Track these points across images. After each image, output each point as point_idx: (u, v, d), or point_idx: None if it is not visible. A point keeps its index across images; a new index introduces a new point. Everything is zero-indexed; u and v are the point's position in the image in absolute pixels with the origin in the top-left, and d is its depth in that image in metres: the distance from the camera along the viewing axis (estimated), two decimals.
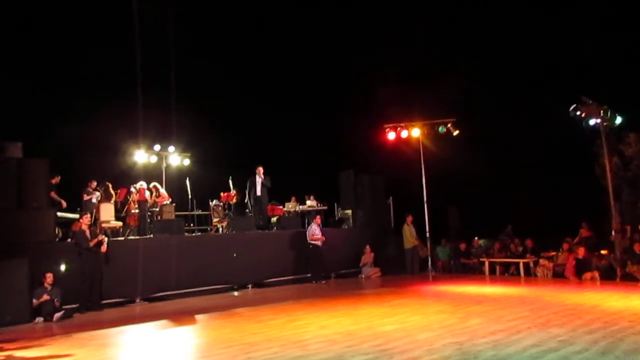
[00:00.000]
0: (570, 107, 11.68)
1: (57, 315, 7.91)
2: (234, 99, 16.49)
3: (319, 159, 16.04)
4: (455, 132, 13.57)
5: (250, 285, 11.17)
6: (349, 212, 14.09)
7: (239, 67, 17.06)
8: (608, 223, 11.77)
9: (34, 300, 7.94)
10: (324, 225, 12.51)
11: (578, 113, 11.57)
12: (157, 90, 12.94)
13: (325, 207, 13.89)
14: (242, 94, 16.78)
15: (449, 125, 13.58)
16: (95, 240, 8.79)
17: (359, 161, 14.76)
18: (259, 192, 12.57)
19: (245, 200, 13.02)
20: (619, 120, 11.85)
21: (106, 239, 9.13)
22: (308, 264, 11.89)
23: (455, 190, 15.10)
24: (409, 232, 13.19)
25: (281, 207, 13.16)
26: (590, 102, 11.57)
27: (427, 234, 13.55)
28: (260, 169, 12.58)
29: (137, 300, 9.49)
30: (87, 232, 8.85)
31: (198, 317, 7.70)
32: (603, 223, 12.26)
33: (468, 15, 15.80)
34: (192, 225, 12.99)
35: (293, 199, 13.77)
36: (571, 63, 14.56)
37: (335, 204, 14.50)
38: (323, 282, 11.70)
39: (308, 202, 13.67)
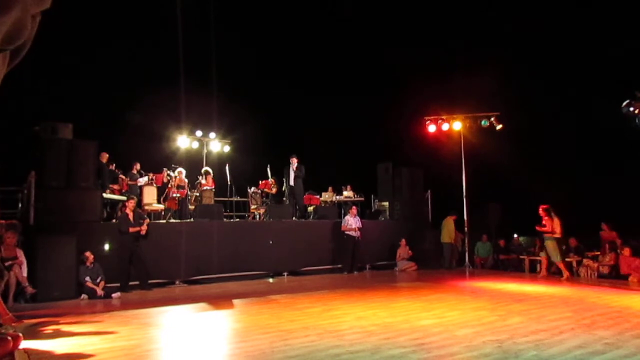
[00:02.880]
0: (622, 102, 11.18)
1: (115, 295, 8.27)
2: (276, 87, 16.59)
3: (357, 150, 15.95)
4: (499, 127, 13.21)
5: (285, 273, 11.29)
6: (386, 204, 13.99)
7: (280, 55, 17.12)
8: None
9: (87, 280, 8.31)
10: (360, 217, 12.48)
11: (631, 109, 11.08)
12: (199, 77, 13.18)
13: (362, 199, 13.84)
14: (284, 82, 16.86)
15: (492, 119, 13.24)
16: (136, 229, 9.06)
17: (398, 153, 14.60)
18: (292, 182, 12.62)
19: (283, 189, 13.14)
20: None
21: (147, 220, 9.42)
22: (342, 255, 11.92)
23: (496, 186, 14.72)
24: (450, 227, 12.96)
25: (318, 196, 13.20)
26: None
27: (466, 229, 13.31)
28: (294, 160, 12.58)
29: (177, 282, 9.78)
30: (131, 216, 9.14)
31: (235, 301, 7.85)
32: None
33: (515, 3, 15.21)
34: (230, 211, 13.23)
35: (330, 189, 13.80)
36: (625, 55, 13.84)
37: (372, 196, 14.42)
38: (355, 273, 11.70)
39: (345, 193, 13.66)
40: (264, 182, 12.83)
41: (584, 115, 14.22)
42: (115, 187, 11.00)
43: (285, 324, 6.00)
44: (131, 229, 9.02)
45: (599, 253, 11.46)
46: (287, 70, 17.07)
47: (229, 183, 13.09)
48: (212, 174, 12.17)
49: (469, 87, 14.08)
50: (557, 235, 10.69)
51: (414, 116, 14.35)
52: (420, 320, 6.27)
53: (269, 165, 13.05)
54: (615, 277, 10.64)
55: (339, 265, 11.90)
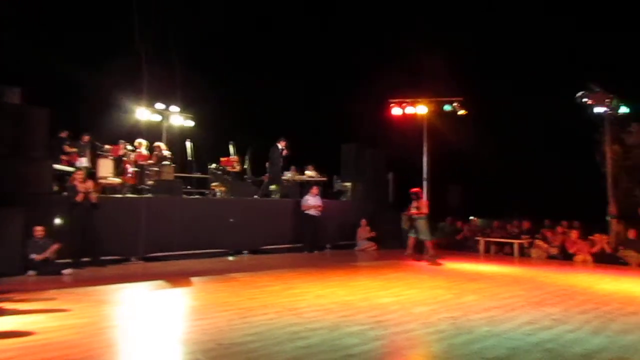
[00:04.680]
0: (577, 92, 11.60)
1: (66, 271, 7.88)
2: (240, 64, 16.18)
3: (321, 130, 15.86)
4: (462, 112, 13.44)
5: (246, 252, 11.21)
6: (349, 185, 14.05)
7: (245, 32, 16.65)
8: (604, 209, 11.84)
9: (34, 256, 7.90)
10: (323, 197, 12.49)
11: (585, 100, 11.53)
12: (160, 47, 12.60)
13: (325, 179, 13.84)
14: (247, 59, 16.45)
15: (455, 104, 13.44)
16: (82, 195, 8.51)
17: (363, 135, 14.62)
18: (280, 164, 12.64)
19: (245, 166, 12.96)
20: (624, 109, 11.84)
21: (91, 184, 8.78)
22: (303, 234, 11.95)
23: (457, 169, 15.05)
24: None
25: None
26: (598, 89, 11.49)
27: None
28: (283, 142, 12.49)
29: (133, 259, 9.51)
30: (78, 187, 8.67)
31: (194, 279, 7.72)
32: (600, 208, 12.28)
33: None
34: (191, 188, 12.94)
35: (292, 168, 13.69)
36: (582, 49, 14.31)
37: (335, 176, 14.45)
38: (316, 252, 11.79)
39: (307, 173, 13.61)
40: (225, 158, 12.58)
41: (543, 102, 14.63)
42: (65, 158, 10.49)
43: (245, 302, 5.95)
44: (78, 198, 8.47)
45: (550, 235, 11.97)
46: (253, 47, 16.64)
47: (189, 159, 12.77)
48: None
49: (434, 71, 14.19)
50: (424, 214, 11.11)
51: (379, 99, 14.38)
52: (378, 298, 6.37)
53: (231, 143, 12.80)
54: (563, 258, 11.17)
55: (300, 244, 11.92)
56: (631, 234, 10.93)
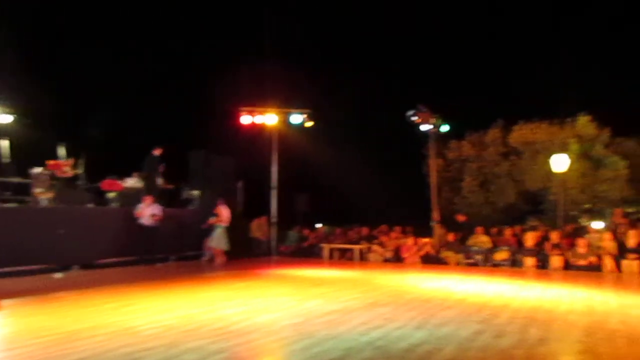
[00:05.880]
0: (408, 111, 13.05)
1: None
2: (75, 61, 14.60)
3: (170, 137, 15.10)
4: (309, 123, 14.02)
5: (76, 267, 10.03)
6: (197, 193, 13.58)
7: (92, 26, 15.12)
8: (430, 215, 13.43)
9: None
10: (169, 206, 11.86)
11: (414, 118, 13.02)
12: None
13: (171, 186, 13.17)
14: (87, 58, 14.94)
15: (303, 115, 13.98)
16: None
17: (212, 142, 14.32)
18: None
19: (79, 171, 11.66)
20: (445, 128, 13.65)
21: None
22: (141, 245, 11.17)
23: (305, 178, 15.65)
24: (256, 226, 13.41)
25: (120, 182, 12.08)
26: (425, 109, 13.08)
27: (274, 219, 13.79)
28: (158, 151, 11.96)
29: None
30: None
31: (5, 302, 6.61)
32: (427, 215, 13.90)
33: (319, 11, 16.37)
34: (9, 195, 11.13)
35: (135, 174, 12.73)
36: (412, 72, 16.20)
37: (183, 184, 13.83)
38: (159, 264, 11.13)
39: (129, 180, 12.68)
40: (54, 162, 11.12)
41: (380, 119, 16.09)
42: None
43: (70, 325, 5.28)
44: None
45: (385, 240, 13.12)
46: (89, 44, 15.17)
47: (3, 160, 11.01)
48: None
49: (283, 82, 14.62)
50: (223, 222, 11.62)
51: (230, 107, 14.29)
52: (223, 309, 6.23)
53: (62, 143, 11.39)
54: (397, 260, 12.35)
55: (141, 257, 11.09)
56: (450, 237, 12.57)
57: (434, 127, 13.39)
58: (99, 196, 11.68)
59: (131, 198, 12.03)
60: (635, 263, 10.11)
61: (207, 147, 13.93)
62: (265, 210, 13.73)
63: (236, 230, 13.35)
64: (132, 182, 12.47)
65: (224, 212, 11.39)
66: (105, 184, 11.67)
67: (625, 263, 10.20)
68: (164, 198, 12.41)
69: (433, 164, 13.97)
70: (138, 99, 15.31)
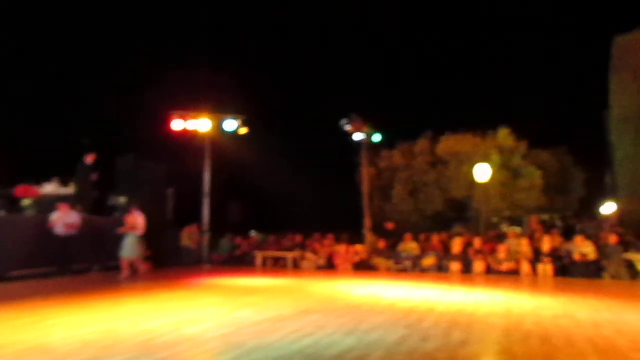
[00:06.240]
0: (341, 120, 13.31)
1: None
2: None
3: (95, 138, 14.32)
4: (243, 130, 13.85)
5: None
6: (124, 200, 12.94)
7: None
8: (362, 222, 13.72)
9: None
10: (95, 213, 11.22)
11: (347, 127, 13.30)
12: None
13: (97, 193, 12.46)
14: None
15: (237, 122, 13.78)
16: None
17: (142, 146, 13.76)
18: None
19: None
20: (378, 137, 14.06)
21: None
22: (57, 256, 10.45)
23: (238, 185, 15.44)
24: (187, 234, 13.02)
25: (37, 188, 11.28)
26: (358, 119, 13.41)
27: (205, 228, 13.46)
28: (92, 157, 11.56)
29: None
30: None
31: None
32: (360, 222, 14.19)
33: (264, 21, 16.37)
34: None
35: (55, 180, 11.95)
36: (344, 82, 16.60)
37: (109, 191, 13.15)
38: (79, 275, 10.47)
39: (47, 187, 11.93)
40: None
41: (314, 127, 16.25)
42: None
43: None
44: None
45: (319, 248, 13.21)
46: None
47: None
48: None
49: (217, 87, 14.39)
50: (134, 230, 10.88)
51: (162, 111, 13.81)
52: (148, 321, 5.95)
53: None
54: (329, 268, 12.45)
55: (59, 268, 10.37)
56: (381, 244, 12.88)
57: (367, 137, 13.75)
58: (12, 203, 10.80)
59: (50, 205, 11.24)
60: (549, 267, 10.88)
61: (137, 151, 13.37)
62: (197, 218, 13.38)
63: (165, 239, 12.91)
64: (51, 188, 11.67)
65: (140, 220, 10.74)
66: (19, 190, 10.82)
67: (540, 267, 10.95)
68: (91, 206, 11.73)
69: (365, 173, 14.32)
70: (60, 97, 14.42)
